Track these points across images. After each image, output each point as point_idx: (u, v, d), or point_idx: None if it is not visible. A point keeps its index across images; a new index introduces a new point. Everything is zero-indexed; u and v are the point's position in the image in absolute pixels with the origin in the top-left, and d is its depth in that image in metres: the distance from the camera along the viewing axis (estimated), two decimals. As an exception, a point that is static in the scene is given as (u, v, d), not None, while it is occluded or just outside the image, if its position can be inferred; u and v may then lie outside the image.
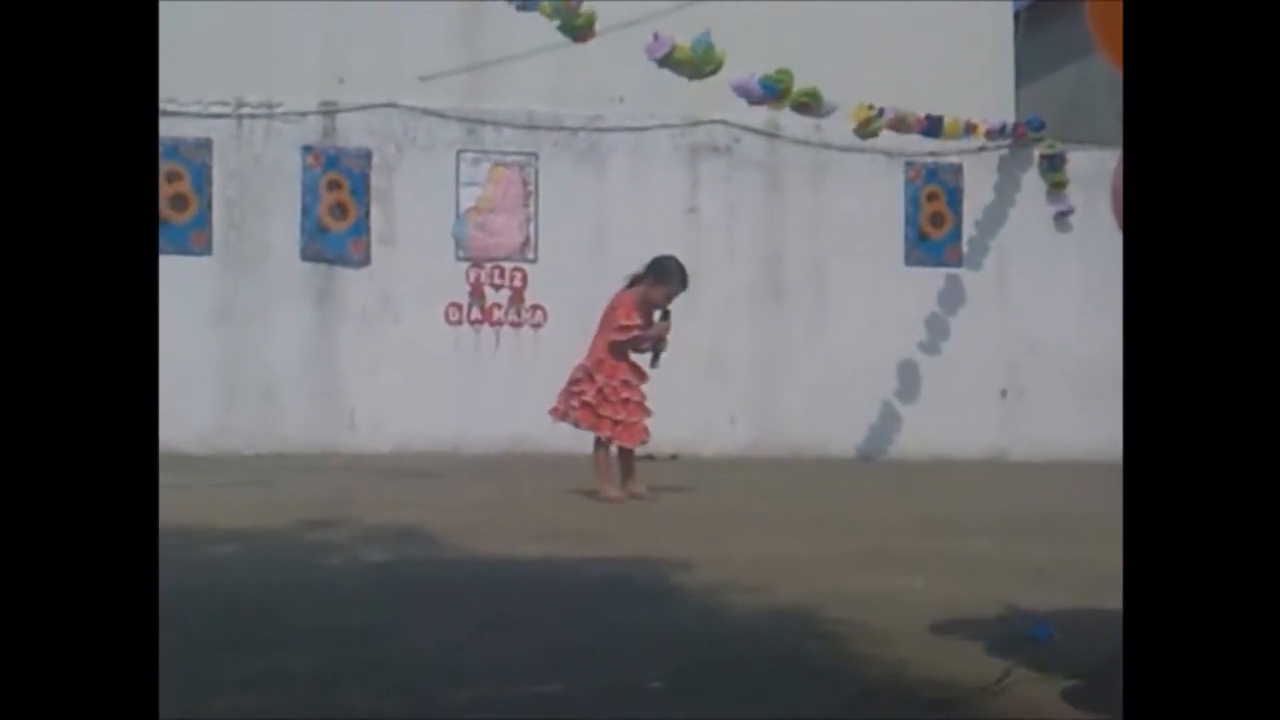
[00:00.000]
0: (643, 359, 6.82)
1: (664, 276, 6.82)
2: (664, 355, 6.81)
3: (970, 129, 10.05)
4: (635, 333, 6.70)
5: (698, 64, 7.78)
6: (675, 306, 6.83)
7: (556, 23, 7.40)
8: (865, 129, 9.40)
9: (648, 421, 6.78)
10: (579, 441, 6.98)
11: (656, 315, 6.78)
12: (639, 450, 6.99)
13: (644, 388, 6.84)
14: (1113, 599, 1.77)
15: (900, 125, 9.60)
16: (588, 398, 6.70)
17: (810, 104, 8.72)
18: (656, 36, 7.66)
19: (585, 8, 7.36)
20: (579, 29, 7.44)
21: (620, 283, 7.02)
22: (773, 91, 8.45)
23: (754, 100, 8.62)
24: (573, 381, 6.81)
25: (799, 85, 8.55)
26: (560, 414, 6.83)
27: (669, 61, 7.76)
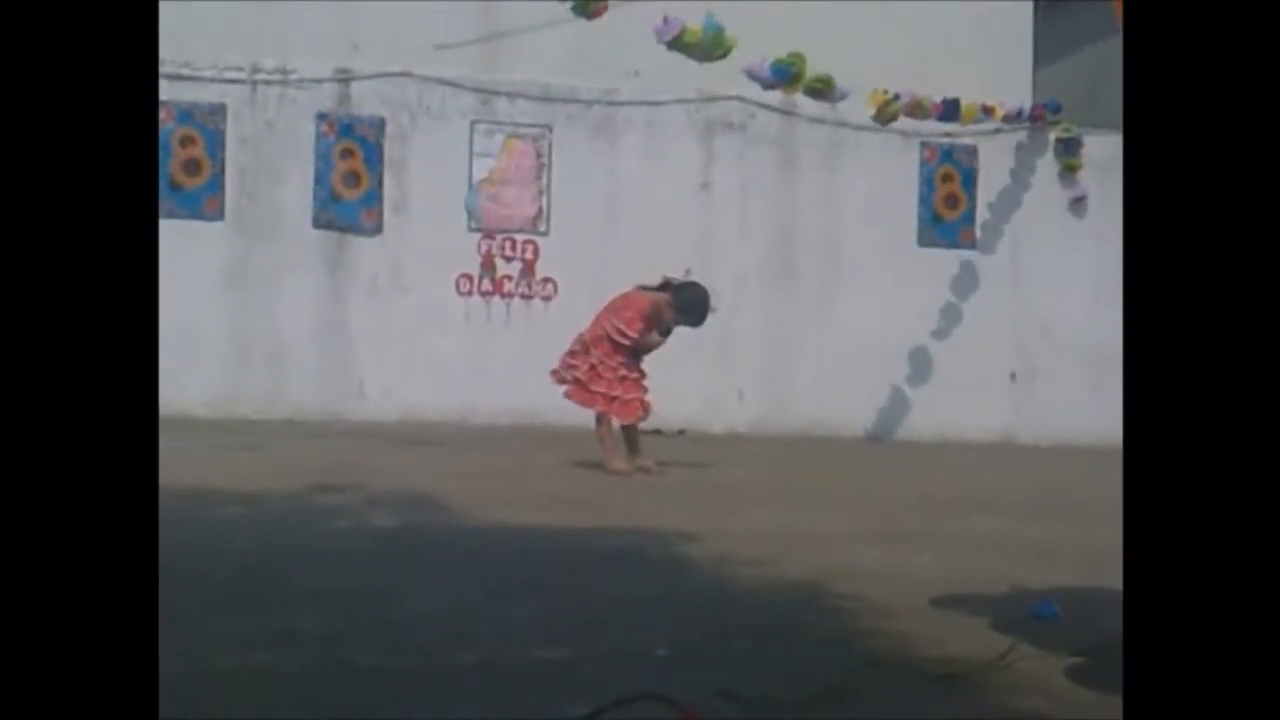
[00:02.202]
0: None
1: (686, 307, 6.86)
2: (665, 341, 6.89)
3: (988, 112, 9.99)
4: (628, 342, 6.72)
5: (706, 48, 7.73)
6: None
7: (570, 3, 7.33)
8: (882, 114, 9.34)
9: (648, 398, 6.79)
10: (587, 414, 6.99)
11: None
12: (646, 425, 7.00)
13: (652, 363, 6.85)
14: (1118, 579, 1.78)
15: (917, 110, 9.54)
16: (579, 374, 6.72)
17: (822, 89, 8.67)
18: (666, 20, 7.60)
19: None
20: (590, 5, 7.37)
21: (633, 262, 7.04)
22: (784, 76, 8.40)
23: (766, 85, 8.58)
24: (570, 352, 6.83)
25: (815, 68, 8.49)
26: (558, 379, 6.86)
27: (678, 44, 7.71)
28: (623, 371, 6.70)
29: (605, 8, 7.40)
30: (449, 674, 2.58)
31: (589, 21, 7.63)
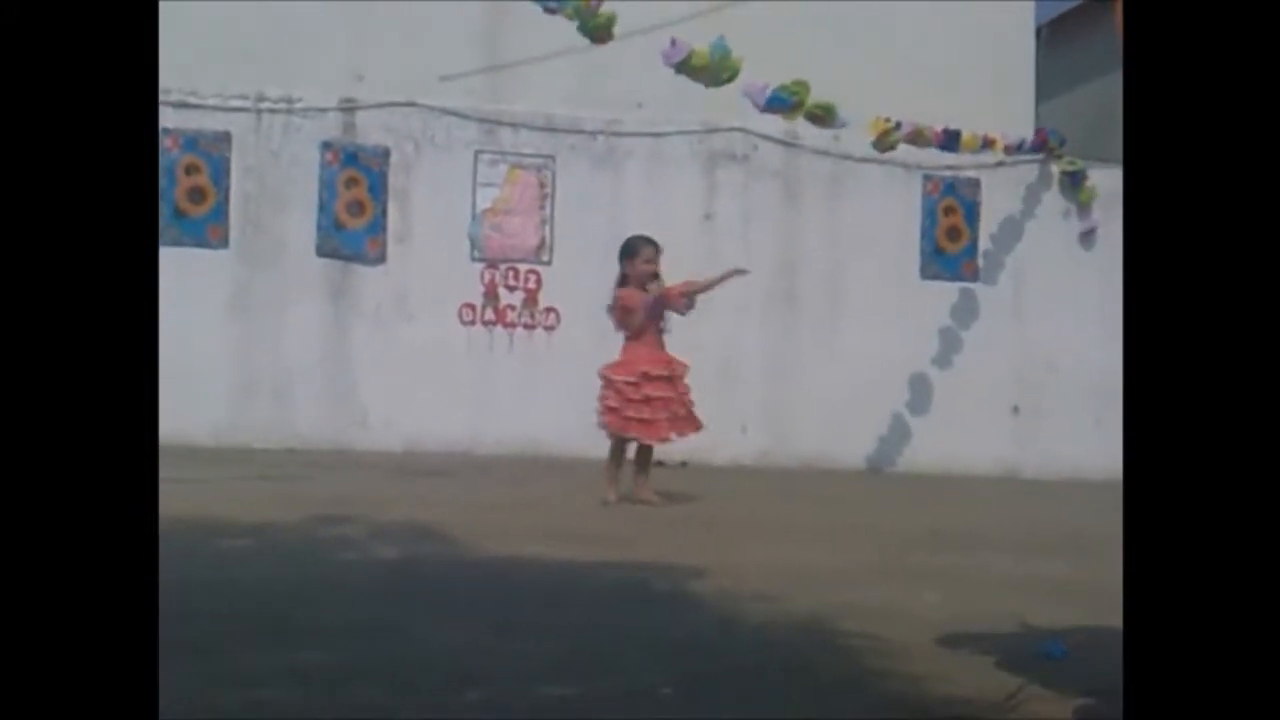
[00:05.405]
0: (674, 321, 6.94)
1: (629, 252, 6.97)
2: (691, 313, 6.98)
3: (988, 143, 10.01)
4: (638, 310, 6.74)
5: (714, 70, 7.75)
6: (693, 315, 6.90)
7: (576, 24, 7.36)
8: (882, 142, 9.36)
9: (686, 421, 6.75)
10: (590, 445, 6.97)
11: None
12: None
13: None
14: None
15: (917, 139, 9.55)
16: (611, 402, 6.70)
17: (823, 116, 8.67)
18: (674, 42, 7.64)
19: (605, 9, 7.31)
20: (598, 29, 7.40)
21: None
22: (786, 103, 8.40)
23: (765, 108, 8.54)
24: (601, 392, 6.80)
25: (817, 96, 8.50)
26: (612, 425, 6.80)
27: (685, 67, 7.73)
28: (646, 389, 6.62)
29: (611, 34, 7.41)
30: (457, 714, 2.56)
31: (597, 49, 7.64)
